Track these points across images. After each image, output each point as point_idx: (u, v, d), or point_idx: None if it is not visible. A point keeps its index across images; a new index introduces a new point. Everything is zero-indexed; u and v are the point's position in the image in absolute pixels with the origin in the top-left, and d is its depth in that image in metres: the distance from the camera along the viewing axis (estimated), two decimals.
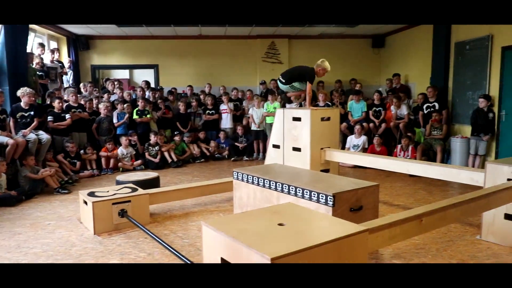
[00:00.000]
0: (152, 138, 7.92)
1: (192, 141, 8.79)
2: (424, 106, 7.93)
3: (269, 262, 1.55)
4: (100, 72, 11.27)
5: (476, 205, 3.26)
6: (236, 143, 9.01)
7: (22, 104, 6.42)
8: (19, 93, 6.36)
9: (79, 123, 7.56)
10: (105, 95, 8.74)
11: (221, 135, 9.07)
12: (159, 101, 8.96)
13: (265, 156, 6.66)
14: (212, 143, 8.94)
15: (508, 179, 3.70)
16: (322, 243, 1.74)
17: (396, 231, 2.65)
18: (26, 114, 6.44)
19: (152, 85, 10.19)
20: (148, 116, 8.33)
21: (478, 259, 3.50)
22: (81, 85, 9.16)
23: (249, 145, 9.03)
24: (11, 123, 6.39)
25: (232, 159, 8.83)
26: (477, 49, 7.14)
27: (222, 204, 5.24)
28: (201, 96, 9.59)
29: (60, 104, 7.17)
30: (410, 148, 7.49)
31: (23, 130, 6.26)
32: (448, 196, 5.51)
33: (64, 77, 9.38)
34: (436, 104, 7.75)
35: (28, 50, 7.73)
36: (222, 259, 1.84)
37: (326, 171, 5.73)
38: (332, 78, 10.34)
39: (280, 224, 1.97)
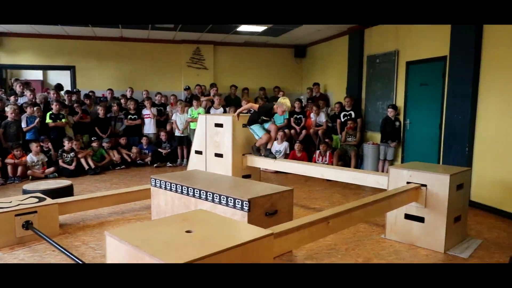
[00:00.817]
0: (66, 144, 7.44)
1: (112, 146, 8.42)
2: (341, 114, 8.37)
3: None
4: (8, 72, 10.40)
5: (379, 207, 3.53)
6: (159, 149, 8.80)
7: None
8: None
9: None
10: (12, 97, 8.05)
11: (144, 140, 8.81)
12: (75, 104, 8.47)
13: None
14: (134, 149, 8.65)
15: (408, 182, 4.05)
16: (226, 248, 1.76)
17: (305, 234, 2.78)
18: None
19: (68, 88, 9.61)
20: (63, 120, 7.83)
21: (381, 256, 3.78)
22: None
23: (173, 151, 8.88)
24: None
25: (155, 165, 8.62)
26: (386, 63, 7.69)
27: (141, 212, 5.09)
28: (122, 101, 9.22)
29: None
30: (328, 153, 7.89)
31: None
32: (360, 198, 5.88)
33: None
34: (352, 113, 8.23)
35: None
36: None
37: (248, 176, 5.83)
38: (257, 85, 10.59)
39: (188, 231, 1.97)
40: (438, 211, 3.88)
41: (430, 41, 6.52)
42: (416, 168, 4.10)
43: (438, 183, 3.87)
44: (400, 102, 7.37)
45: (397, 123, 7.26)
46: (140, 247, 1.72)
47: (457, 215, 4.01)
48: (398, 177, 4.12)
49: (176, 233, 1.95)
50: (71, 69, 9.91)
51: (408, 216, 4.06)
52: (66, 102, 8.46)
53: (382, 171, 7.20)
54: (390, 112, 7.26)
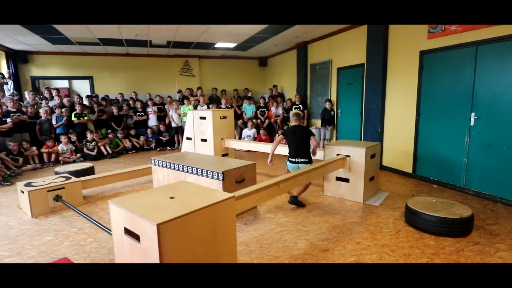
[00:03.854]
0: (89, 136, 7.18)
1: (124, 136, 8.17)
2: (293, 107, 8.37)
3: (155, 227, 1.53)
4: (41, 81, 9.81)
5: (316, 173, 3.59)
6: (160, 137, 8.61)
7: None
8: None
9: (20, 125, 6.53)
10: (43, 102, 7.65)
11: (149, 131, 8.59)
12: (94, 105, 8.13)
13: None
14: (142, 138, 8.42)
15: (337, 154, 4.14)
16: (199, 208, 1.76)
17: (262, 195, 2.80)
18: None
19: (89, 93, 9.20)
20: (85, 118, 7.52)
21: (319, 205, 3.86)
22: (25, 93, 7.92)
23: (171, 138, 8.71)
24: None
25: (158, 149, 8.44)
26: (323, 69, 7.68)
27: (146, 184, 5.00)
28: (131, 101, 8.92)
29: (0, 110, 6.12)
30: None
31: None
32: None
33: (5, 86, 7.98)
34: (301, 106, 8.26)
35: None
36: (125, 228, 1.76)
37: (226, 155, 5.81)
38: (231, 87, 10.45)
39: (172, 198, 1.95)
40: (358, 174, 4.00)
41: (353, 52, 6.52)
42: (343, 144, 4.18)
43: (358, 154, 3.97)
44: (333, 97, 7.41)
45: (332, 112, 7.33)
46: (134, 211, 1.69)
47: (371, 176, 4.14)
48: (330, 151, 4.21)
49: (162, 199, 1.92)
50: (90, 78, 9.46)
51: (338, 178, 4.18)
52: (87, 104, 8.12)
53: (322, 147, 7.28)
54: (327, 105, 7.31)
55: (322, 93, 7.84)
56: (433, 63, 4.73)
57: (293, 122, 3.85)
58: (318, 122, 7.94)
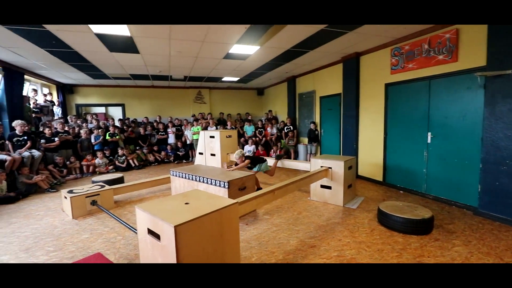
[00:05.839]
0: (120, 151, 7.16)
1: (149, 152, 8.16)
2: (285, 128, 8.42)
3: (173, 228, 1.51)
4: (83, 108, 9.88)
5: (304, 182, 3.57)
6: (178, 152, 8.60)
7: (17, 131, 5.35)
8: (13, 124, 5.31)
9: (65, 143, 6.54)
10: (84, 124, 7.70)
11: (169, 147, 8.58)
12: (125, 127, 8.16)
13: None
14: (163, 153, 8.40)
15: (321, 166, 4.13)
16: (208, 213, 1.75)
17: (260, 200, 2.78)
18: (20, 139, 5.37)
19: (121, 117, 9.26)
20: (117, 137, 7.53)
21: (308, 210, 3.80)
22: (69, 117, 7.97)
23: (186, 153, 8.70)
24: (10, 146, 5.28)
25: (176, 162, 8.40)
26: (309, 98, 7.75)
27: (166, 191, 4.94)
28: (154, 124, 8.97)
29: (50, 131, 6.14)
30: (278, 151, 7.92)
31: (19, 150, 5.22)
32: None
33: (55, 112, 8.05)
34: (291, 127, 8.30)
35: (24, 94, 6.48)
36: (148, 229, 1.75)
37: (230, 167, 5.78)
38: (235, 111, 10.53)
39: (186, 203, 1.94)
40: (338, 182, 3.97)
41: (332, 84, 6.58)
42: (325, 158, 4.18)
43: (338, 166, 3.97)
44: (317, 119, 7.44)
45: (316, 132, 7.34)
46: (155, 215, 1.68)
47: (349, 184, 4.12)
48: (316, 164, 4.19)
49: (178, 204, 1.91)
50: (122, 105, 9.55)
51: (322, 186, 4.15)
52: (119, 126, 8.16)
53: (309, 160, 7.22)
54: (312, 126, 7.33)
55: (308, 116, 7.89)
56: (396, 93, 4.80)
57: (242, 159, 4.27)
58: (305, 140, 7.95)
